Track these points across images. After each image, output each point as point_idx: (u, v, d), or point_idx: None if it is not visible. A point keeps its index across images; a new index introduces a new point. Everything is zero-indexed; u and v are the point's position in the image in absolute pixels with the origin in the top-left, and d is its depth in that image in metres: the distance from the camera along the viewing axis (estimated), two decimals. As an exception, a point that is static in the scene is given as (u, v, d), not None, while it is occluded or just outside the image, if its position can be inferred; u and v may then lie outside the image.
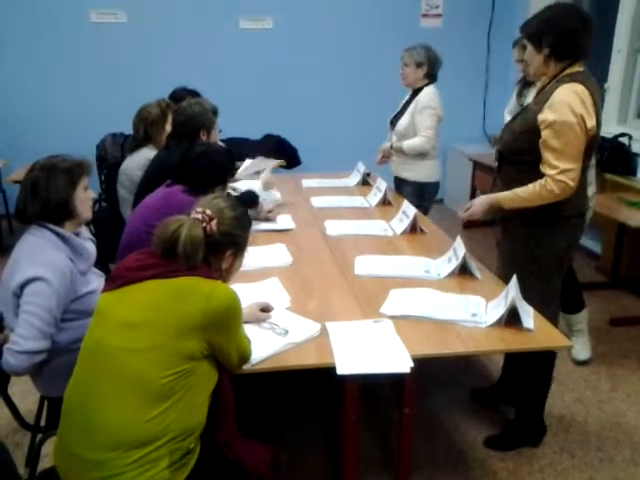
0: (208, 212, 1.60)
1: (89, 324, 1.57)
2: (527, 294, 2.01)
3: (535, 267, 2.27)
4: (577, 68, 2.14)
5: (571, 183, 2.10)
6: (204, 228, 1.57)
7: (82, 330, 1.59)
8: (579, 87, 2.07)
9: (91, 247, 2.02)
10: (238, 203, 1.74)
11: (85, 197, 1.95)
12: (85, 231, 2.08)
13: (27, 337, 1.73)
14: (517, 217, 2.26)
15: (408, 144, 3.53)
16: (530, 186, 2.15)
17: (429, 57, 3.51)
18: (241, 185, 3.59)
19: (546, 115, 2.08)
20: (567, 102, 2.05)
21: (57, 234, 1.87)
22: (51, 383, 1.89)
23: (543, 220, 2.23)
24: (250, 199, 2.90)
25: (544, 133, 2.10)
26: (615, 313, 3.67)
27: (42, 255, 1.81)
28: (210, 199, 1.68)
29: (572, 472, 2.36)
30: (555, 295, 2.34)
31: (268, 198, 3.27)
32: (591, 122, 2.08)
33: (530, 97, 2.37)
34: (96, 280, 1.97)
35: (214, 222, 1.59)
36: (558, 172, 2.09)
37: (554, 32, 2.10)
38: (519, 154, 2.22)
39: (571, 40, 2.11)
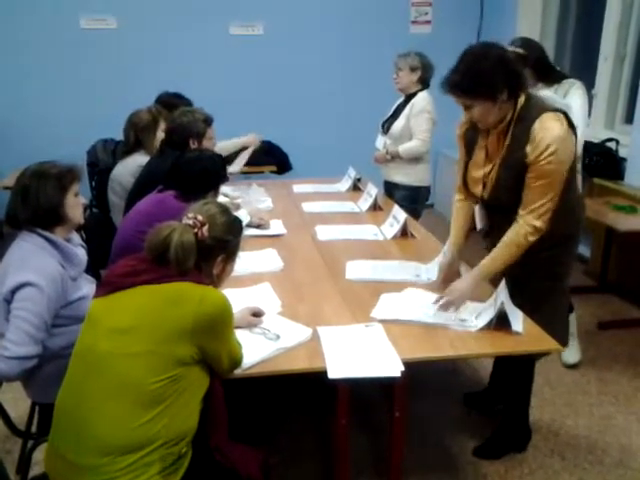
0: (199, 217, 1.61)
1: (80, 330, 1.57)
2: (557, 309, 2.13)
3: (559, 283, 2.25)
4: (523, 96, 2.00)
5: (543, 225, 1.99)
6: (195, 234, 1.58)
7: (73, 336, 1.59)
8: (558, 116, 1.95)
9: (82, 253, 2.02)
10: (229, 209, 1.75)
11: (76, 203, 1.95)
12: (76, 237, 2.08)
13: (18, 342, 1.73)
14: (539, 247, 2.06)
15: (404, 147, 3.56)
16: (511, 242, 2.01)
17: (422, 63, 3.57)
18: (232, 190, 3.61)
19: (542, 154, 1.91)
20: (561, 139, 1.91)
21: (48, 240, 1.87)
22: (43, 389, 1.89)
23: (564, 239, 2.14)
24: None
25: (536, 171, 1.94)
26: (603, 317, 3.70)
27: (33, 261, 1.81)
28: (201, 204, 1.69)
29: (562, 474, 2.37)
30: None
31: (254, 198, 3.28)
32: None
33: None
34: (87, 286, 1.97)
35: (205, 227, 1.60)
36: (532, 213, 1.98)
37: (503, 76, 1.92)
38: (516, 204, 2.04)
39: (518, 73, 1.98)
